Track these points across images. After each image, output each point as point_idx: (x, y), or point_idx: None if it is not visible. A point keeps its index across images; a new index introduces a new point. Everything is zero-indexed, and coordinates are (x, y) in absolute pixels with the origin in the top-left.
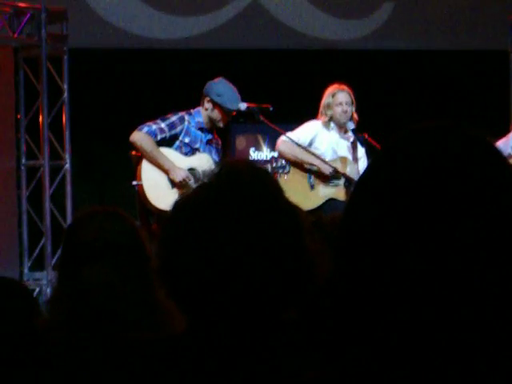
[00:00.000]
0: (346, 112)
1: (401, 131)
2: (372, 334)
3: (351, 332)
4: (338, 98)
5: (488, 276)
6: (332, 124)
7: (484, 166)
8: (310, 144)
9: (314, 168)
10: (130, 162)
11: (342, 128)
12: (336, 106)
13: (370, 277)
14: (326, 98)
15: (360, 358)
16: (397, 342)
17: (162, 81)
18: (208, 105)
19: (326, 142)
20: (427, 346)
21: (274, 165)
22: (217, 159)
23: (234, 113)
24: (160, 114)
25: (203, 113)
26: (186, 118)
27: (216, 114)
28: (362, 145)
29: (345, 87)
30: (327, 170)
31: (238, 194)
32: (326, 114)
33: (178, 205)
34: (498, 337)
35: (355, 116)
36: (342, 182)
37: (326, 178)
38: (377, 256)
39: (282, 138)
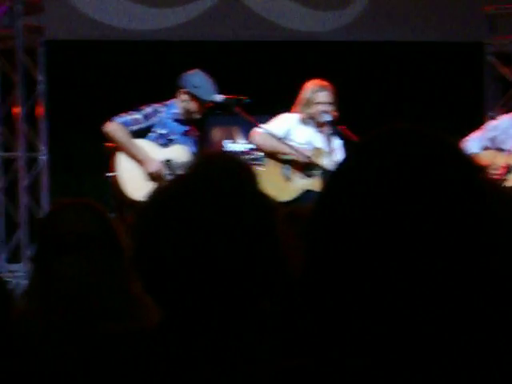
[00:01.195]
0: (326, 112)
1: (374, 131)
2: (344, 325)
3: (323, 323)
4: (319, 96)
5: (449, 268)
6: (309, 120)
7: (447, 166)
8: (285, 137)
9: (290, 157)
10: (104, 153)
11: (318, 123)
12: (316, 104)
13: (340, 268)
14: (307, 94)
15: (333, 349)
16: (368, 332)
17: (138, 72)
18: (184, 96)
19: (301, 136)
20: (401, 336)
21: (249, 156)
22: (194, 151)
23: (211, 104)
24: (136, 105)
25: (179, 104)
26: (162, 109)
27: (192, 106)
28: (339, 137)
29: (327, 85)
30: (303, 157)
31: (212, 186)
32: (304, 111)
33: (152, 196)
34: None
35: (334, 113)
36: (318, 173)
37: (302, 168)
38: (346, 248)
39: (257, 129)
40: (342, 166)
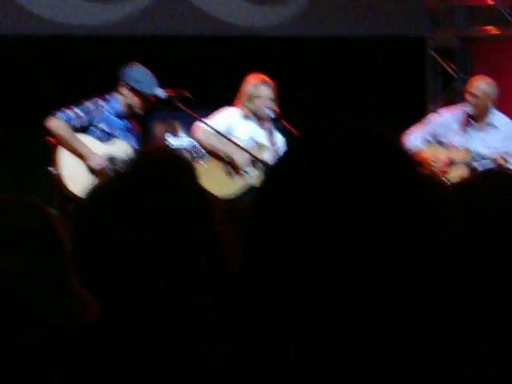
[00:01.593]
0: (267, 107)
1: (312, 126)
2: (278, 322)
3: (259, 318)
4: (261, 91)
5: (385, 261)
6: (251, 115)
7: (383, 160)
8: (227, 132)
9: (230, 156)
10: (47, 148)
11: (260, 117)
12: (258, 99)
13: (276, 263)
14: (248, 89)
15: (270, 345)
16: (304, 328)
17: (78, 67)
18: (126, 91)
19: (243, 131)
20: (339, 337)
21: (191, 151)
22: (136, 146)
23: (153, 99)
24: (76, 100)
25: (120, 99)
26: (102, 103)
27: (134, 100)
28: (280, 132)
29: (269, 80)
30: (243, 159)
31: (151, 182)
32: (245, 106)
33: (92, 192)
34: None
35: (276, 109)
36: (261, 169)
37: (241, 166)
38: (283, 242)
39: (199, 124)
40: (279, 161)
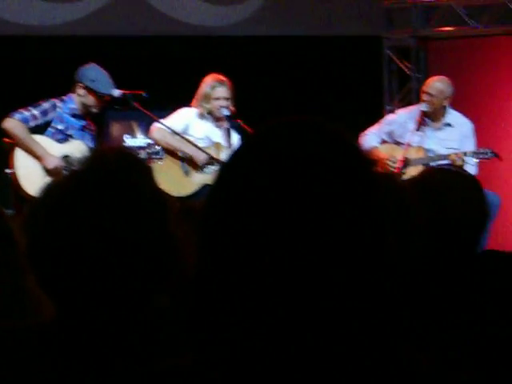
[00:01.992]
0: (224, 107)
1: (265, 123)
2: (232, 322)
3: (214, 320)
4: (218, 92)
5: (341, 260)
6: (207, 114)
7: (338, 158)
8: (184, 131)
9: (188, 156)
10: (3, 149)
11: (217, 117)
12: (214, 99)
13: (228, 263)
14: (205, 89)
15: (223, 346)
16: (255, 331)
17: (34, 68)
18: (81, 91)
19: (199, 130)
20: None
21: (149, 151)
22: (91, 145)
23: (108, 98)
24: (32, 101)
25: (76, 99)
26: (59, 104)
27: (90, 100)
28: (237, 131)
29: (225, 80)
30: (200, 158)
31: (105, 181)
32: (202, 106)
33: (45, 191)
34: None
35: (231, 108)
36: (216, 167)
37: (199, 165)
38: (235, 241)
39: (156, 124)
40: (231, 158)
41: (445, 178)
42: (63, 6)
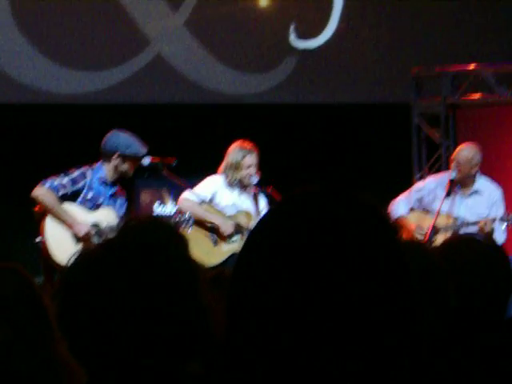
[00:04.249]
0: (251, 174)
1: (291, 192)
2: None
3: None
4: (248, 160)
5: (368, 330)
6: (235, 182)
7: (364, 228)
8: (212, 199)
9: (215, 226)
10: (34, 218)
11: (245, 185)
12: (242, 167)
13: (258, 328)
14: (234, 158)
15: None
16: None
17: (63, 136)
18: (117, 160)
19: (226, 199)
20: None
21: (178, 219)
22: (122, 212)
23: (139, 164)
24: (63, 169)
25: (108, 168)
26: (89, 173)
27: (127, 166)
28: (265, 197)
29: (252, 148)
30: (228, 229)
31: (137, 250)
32: (231, 175)
33: (77, 258)
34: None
35: (259, 174)
36: (246, 235)
37: (227, 235)
38: (264, 307)
39: (184, 195)
40: (258, 226)
41: (468, 247)
42: (92, 75)
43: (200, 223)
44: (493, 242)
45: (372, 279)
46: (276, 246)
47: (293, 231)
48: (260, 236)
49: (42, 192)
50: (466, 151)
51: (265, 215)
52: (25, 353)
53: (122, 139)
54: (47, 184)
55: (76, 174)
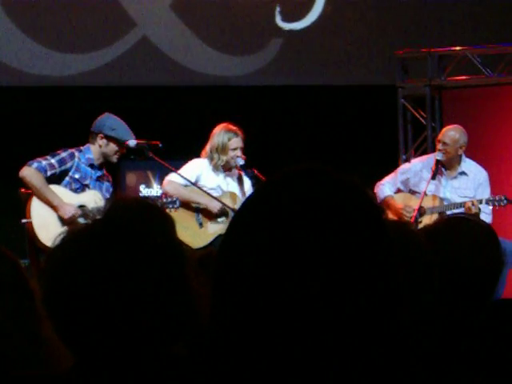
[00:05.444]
0: (239, 156)
1: (276, 173)
2: (246, 370)
3: (227, 370)
4: (234, 142)
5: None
6: (219, 164)
7: (346, 206)
8: (196, 182)
9: (202, 206)
10: (19, 199)
11: (229, 167)
12: (227, 149)
13: (243, 310)
14: (219, 140)
15: None
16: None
17: (50, 118)
18: (102, 141)
19: (211, 181)
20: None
21: (164, 200)
22: (107, 195)
23: (125, 148)
24: (48, 150)
25: (94, 149)
26: (76, 154)
27: (110, 149)
28: (250, 179)
29: (238, 130)
30: (215, 208)
31: (122, 231)
32: (217, 157)
33: (63, 239)
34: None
35: (244, 157)
36: (231, 216)
37: (213, 216)
38: (249, 289)
39: (168, 177)
40: (243, 207)
41: (459, 227)
42: (78, 57)
43: (185, 205)
44: (482, 221)
45: (357, 259)
46: (261, 224)
47: (278, 210)
48: (245, 217)
49: (30, 173)
50: (452, 132)
51: (251, 194)
52: (11, 334)
53: (109, 121)
54: (34, 164)
55: (64, 154)
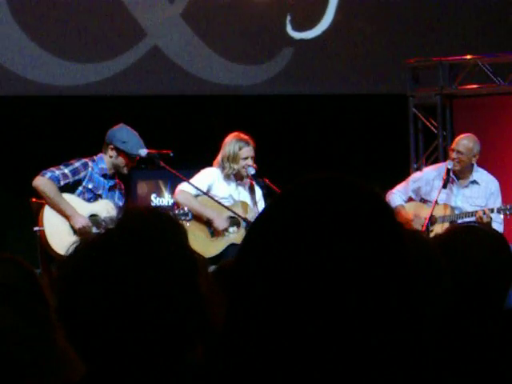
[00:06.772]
0: (248, 165)
1: (292, 183)
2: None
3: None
4: (245, 152)
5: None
6: (231, 173)
7: (365, 215)
8: (208, 191)
9: (210, 220)
10: (30, 208)
11: (241, 176)
12: (238, 158)
13: (260, 318)
14: (231, 149)
15: None
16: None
17: (62, 127)
18: (112, 152)
19: (223, 191)
20: None
21: (177, 211)
22: (120, 204)
23: (138, 158)
24: (61, 160)
25: (106, 160)
26: (90, 164)
27: (120, 161)
28: (261, 188)
29: (248, 139)
30: (221, 225)
31: (135, 240)
32: (229, 166)
33: (75, 248)
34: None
35: (255, 166)
36: (243, 226)
37: (221, 231)
38: (266, 297)
39: (180, 186)
40: (260, 217)
41: (470, 235)
42: (89, 67)
43: (196, 216)
44: (494, 230)
45: (374, 265)
46: (279, 237)
47: (296, 222)
48: (263, 228)
49: (43, 182)
50: (466, 140)
51: (267, 206)
52: (27, 343)
53: (121, 133)
54: (48, 174)
55: (77, 164)
